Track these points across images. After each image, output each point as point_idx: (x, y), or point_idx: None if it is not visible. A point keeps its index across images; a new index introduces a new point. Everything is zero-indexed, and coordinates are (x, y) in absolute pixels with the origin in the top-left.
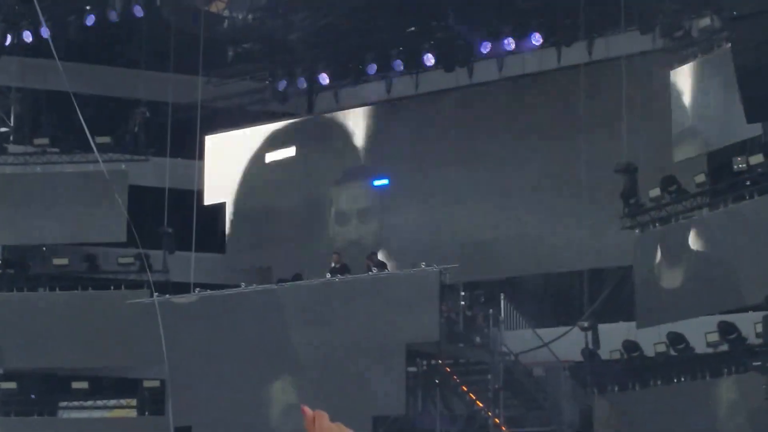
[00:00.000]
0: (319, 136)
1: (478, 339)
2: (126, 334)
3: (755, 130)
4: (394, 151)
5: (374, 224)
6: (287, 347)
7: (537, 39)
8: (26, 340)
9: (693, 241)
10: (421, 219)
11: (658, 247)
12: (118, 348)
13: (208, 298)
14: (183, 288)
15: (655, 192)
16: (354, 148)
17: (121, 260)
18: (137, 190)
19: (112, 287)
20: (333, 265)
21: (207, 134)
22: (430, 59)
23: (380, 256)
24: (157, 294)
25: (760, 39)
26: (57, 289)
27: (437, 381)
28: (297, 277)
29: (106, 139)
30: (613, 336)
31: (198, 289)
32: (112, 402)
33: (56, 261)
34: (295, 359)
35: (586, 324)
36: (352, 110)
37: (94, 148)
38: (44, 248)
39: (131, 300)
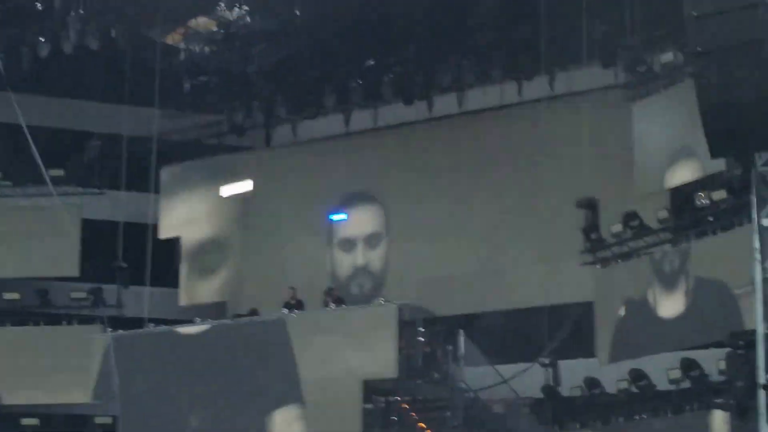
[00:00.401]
0: (276, 170)
1: (437, 375)
2: (78, 370)
3: (718, 165)
4: (352, 185)
5: (330, 259)
6: (241, 383)
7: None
8: None
9: (654, 278)
10: (379, 254)
11: (620, 283)
12: (70, 384)
13: (162, 333)
14: (137, 323)
15: (617, 227)
16: (312, 182)
17: (74, 295)
18: (91, 223)
19: (64, 322)
20: (288, 300)
21: (162, 167)
22: (389, 92)
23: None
24: (110, 329)
25: (723, 74)
26: (8, 324)
27: (395, 418)
28: (253, 312)
29: (59, 172)
30: (574, 372)
31: (152, 324)
32: None
33: (7, 295)
34: (249, 395)
35: (546, 360)
36: (309, 143)
37: (48, 181)
38: None
39: (85, 336)
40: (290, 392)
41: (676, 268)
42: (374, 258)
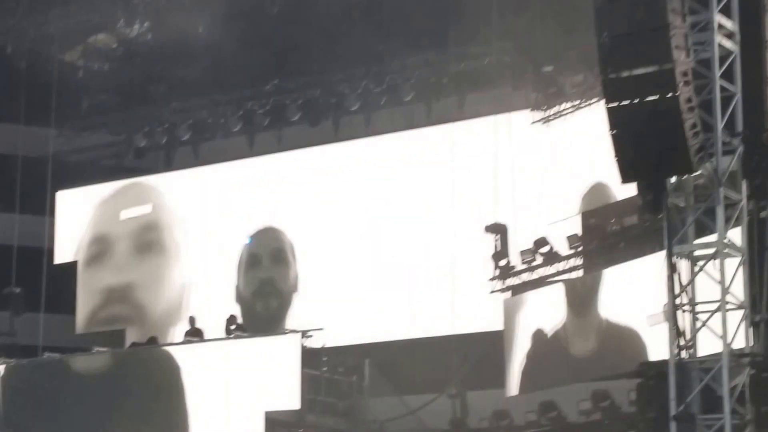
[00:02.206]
0: (177, 193)
1: (341, 407)
2: None
3: (629, 190)
4: (255, 209)
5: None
6: (139, 415)
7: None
8: None
9: (566, 305)
10: (284, 272)
11: (530, 311)
12: None
13: (57, 362)
14: (30, 351)
15: (527, 254)
16: (213, 205)
17: None
18: None
19: None
20: (188, 329)
21: (58, 189)
22: (294, 113)
23: (239, 320)
24: (2, 358)
25: (634, 100)
26: None
27: None
28: (152, 340)
29: None
30: (482, 404)
31: (46, 352)
32: None
33: None
34: (147, 427)
35: (454, 391)
36: (212, 166)
37: None
38: None
39: None
40: (179, 426)
41: (587, 295)
42: (280, 275)
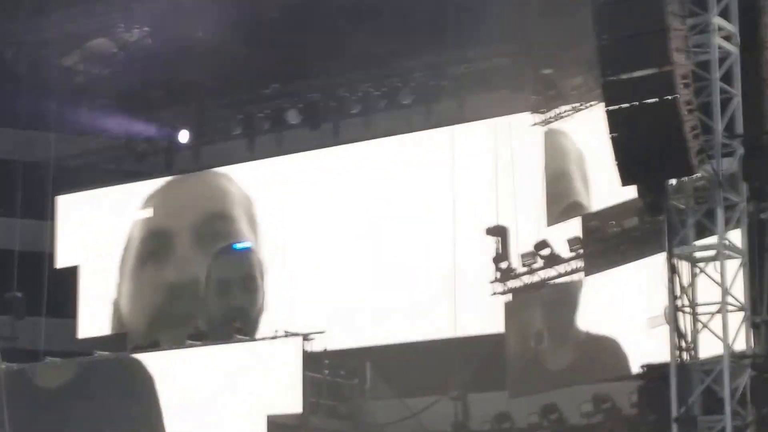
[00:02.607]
0: (177, 197)
1: (343, 410)
2: None
3: (630, 192)
4: (257, 212)
5: (239, 290)
6: (142, 418)
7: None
8: None
9: (566, 308)
10: (285, 284)
11: (531, 314)
12: None
13: (59, 366)
14: (32, 356)
15: (528, 256)
16: (215, 209)
17: None
18: None
19: None
20: (192, 332)
21: (59, 194)
22: (294, 117)
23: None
24: (4, 362)
25: (634, 102)
26: None
27: None
28: (154, 344)
29: None
30: (485, 406)
31: (48, 357)
32: None
33: None
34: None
35: (455, 394)
36: (213, 170)
37: None
38: None
39: None
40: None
41: (587, 297)
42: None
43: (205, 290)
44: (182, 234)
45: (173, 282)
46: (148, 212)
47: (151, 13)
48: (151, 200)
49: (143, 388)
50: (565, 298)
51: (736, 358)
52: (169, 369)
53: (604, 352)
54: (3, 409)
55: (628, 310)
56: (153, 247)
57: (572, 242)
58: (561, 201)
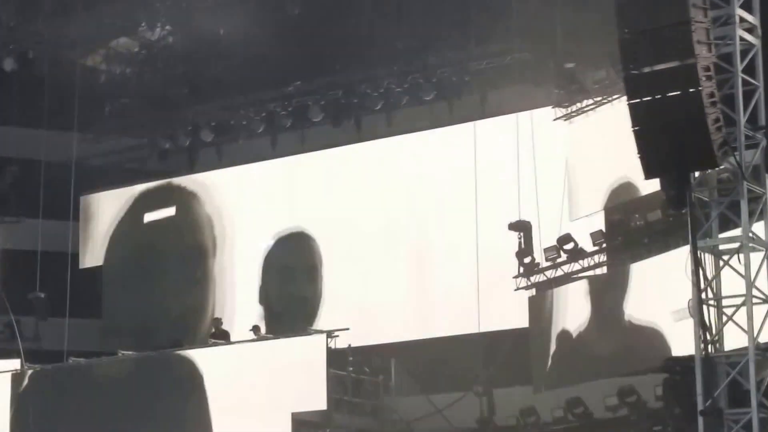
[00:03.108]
0: (201, 195)
1: (368, 407)
2: None
3: (653, 185)
4: (278, 209)
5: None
6: (166, 418)
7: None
8: None
9: (590, 302)
10: (307, 281)
11: (554, 308)
12: None
13: (83, 366)
14: (56, 356)
15: (551, 251)
16: (238, 207)
17: None
18: (7, 253)
19: None
20: (213, 331)
21: (82, 194)
22: (317, 114)
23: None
24: (27, 363)
25: (657, 95)
26: None
27: None
28: (176, 343)
29: None
30: (511, 401)
31: (72, 357)
32: None
33: None
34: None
35: (480, 389)
36: (235, 167)
37: None
38: None
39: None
40: (213, 427)
41: (611, 291)
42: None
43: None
44: (204, 232)
45: (196, 280)
46: (171, 210)
47: (173, 12)
48: (174, 198)
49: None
50: (589, 291)
51: (762, 350)
52: (190, 368)
53: (630, 346)
54: (28, 412)
55: (652, 303)
56: (175, 246)
57: (595, 236)
58: (584, 195)
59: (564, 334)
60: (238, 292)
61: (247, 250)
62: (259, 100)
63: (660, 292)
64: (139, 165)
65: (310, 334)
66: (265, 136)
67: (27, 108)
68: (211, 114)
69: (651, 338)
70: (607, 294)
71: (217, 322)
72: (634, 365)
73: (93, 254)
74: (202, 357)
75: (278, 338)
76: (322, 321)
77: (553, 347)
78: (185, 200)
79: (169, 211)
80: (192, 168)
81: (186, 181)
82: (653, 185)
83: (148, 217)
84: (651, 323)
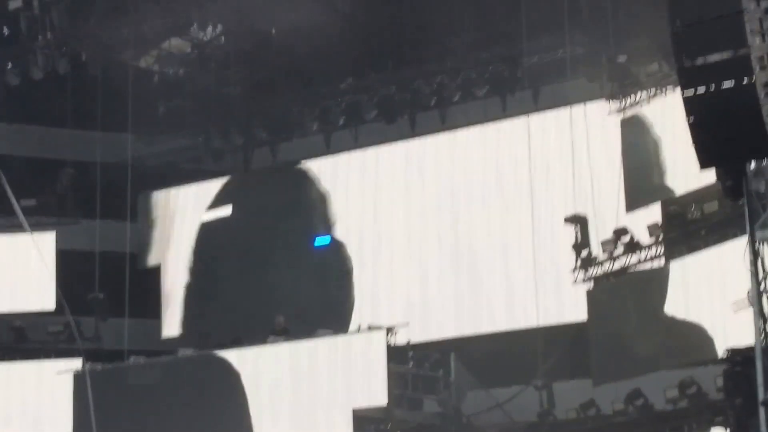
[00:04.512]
0: (256, 194)
1: (428, 402)
2: (55, 406)
3: (709, 177)
4: (336, 206)
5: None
6: (225, 416)
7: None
8: None
9: (648, 294)
10: (367, 277)
11: (612, 300)
12: (47, 421)
13: (143, 365)
14: (116, 356)
15: (608, 244)
16: (294, 205)
17: (51, 329)
18: (66, 254)
19: (42, 357)
20: (276, 328)
21: (138, 194)
22: (370, 111)
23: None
24: (88, 363)
25: (710, 86)
26: None
27: None
28: (236, 341)
29: (31, 202)
30: (570, 394)
31: (132, 356)
32: None
33: None
34: (233, 429)
35: (540, 383)
36: (290, 166)
37: (18, 212)
38: None
39: (61, 370)
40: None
41: (669, 283)
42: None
43: (298, 284)
44: (262, 231)
45: (254, 278)
46: (227, 209)
47: (225, 12)
48: (230, 197)
49: (229, 386)
50: (647, 284)
51: None
52: (252, 366)
53: (689, 337)
54: (91, 411)
55: (711, 294)
56: (233, 245)
57: (652, 228)
58: (640, 187)
59: (622, 327)
60: (295, 288)
61: (303, 246)
62: (313, 98)
63: (719, 283)
64: (194, 164)
65: (369, 330)
66: (319, 134)
67: (81, 110)
68: (264, 113)
69: (710, 329)
70: (665, 286)
71: (279, 319)
72: (693, 357)
73: (151, 254)
74: (261, 355)
75: (338, 335)
76: (380, 317)
77: (611, 340)
78: (241, 199)
79: (225, 210)
80: (246, 167)
81: (241, 179)
82: (709, 176)
83: (205, 216)
84: (710, 314)
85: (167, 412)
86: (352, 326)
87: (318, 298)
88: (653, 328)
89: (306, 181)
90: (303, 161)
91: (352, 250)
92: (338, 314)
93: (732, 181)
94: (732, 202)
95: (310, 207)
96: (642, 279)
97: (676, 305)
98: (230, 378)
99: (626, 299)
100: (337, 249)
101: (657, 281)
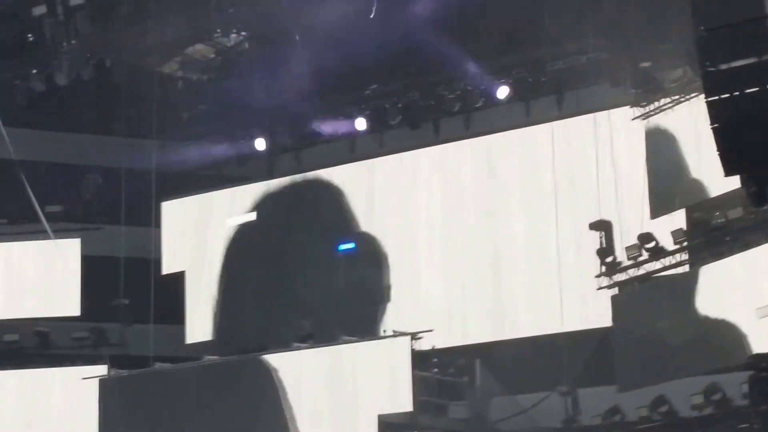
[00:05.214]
0: (280, 200)
1: (453, 408)
2: (79, 412)
3: (733, 183)
4: (359, 212)
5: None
6: (250, 421)
7: (504, 93)
8: None
9: (673, 300)
10: (391, 283)
11: (637, 307)
12: (71, 427)
13: (168, 372)
14: (142, 362)
15: (633, 250)
16: (318, 211)
17: (75, 335)
18: (91, 260)
19: (67, 363)
20: (300, 333)
21: (163, 200)
22: (394, 116)
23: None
24: (113, 369)
25: (734, 92)
26: (8, 366)
27: None
28: (261, 347)
29: (56, 208)
30: (595, 400)
31: (157, 362)
32: None
33: (7, 337)
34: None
35: (565, 389)
36: (315, 171)
37: (42, 219)
38: None
39: (86, 376)
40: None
41: (694, 289)
42: (375, 277)
43: (322, 290)
44: (286, 236)
45: (278, 284)
46: (251, 216)
47: (248, 18)
48: (254, 204)
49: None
50: (672, 290)
51: None
52: (277, 371)
53: (714, 343)
54: (116, 417)
55: (735, 300)
56: (257, 251)
57: (677, 234)
58: (664, 193)
59: (647, 333)
60: (320, 294)
61: (328, 252)
62: (336, 104)
63: (742, 289)
64: (218, 171)
65: (394, 336)
66: (343, 139)
67: (106, 116)
68: (288, 118)
69: (735, 335)
70: (690, 292)
71: (304, 323)
72: (718, 363)
73: (175, 260)
74: (286, 361)
75: (363, 340)
76: (405, 323)
77: (636, 346)
78: (265, 204)
79: (250, 216)
80: (270, 173)
81: (265, 185)
82: (734, 183)
83: (229, 222)
84: (734, 320)
85: (195, 417)
86: (377, 332)
87: (342, 304)
88: (678, 334)
89: (330, 188)
90: (327, 167)
91: (376, 256)
92: (363, 320)
93: (756, 188)
94: (756, 209)
95: (335, 212)
96: (666, 285)
97: (700, 311)
98: (264, 382)
99: (651, 305)
100: (361, 255)
101: (681, 287)
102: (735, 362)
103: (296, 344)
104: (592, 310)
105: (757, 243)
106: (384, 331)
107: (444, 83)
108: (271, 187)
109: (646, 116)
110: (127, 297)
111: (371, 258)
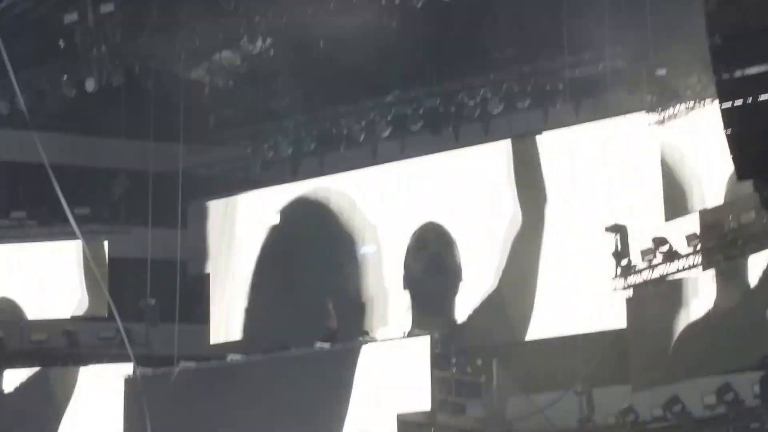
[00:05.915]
0: (304, 203)
1: (471, 407)
2: (106, 411)
3: (746, 187)
4: (380, 215)
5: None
6: (273, 421)
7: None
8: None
9: (686, 302)
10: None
11: (651, 308)
12: (98, 426)
13: (192, 371)
14: (167, 361)
15: (647, 252)
16: (341, 214)
17: (103, 334)
18: (118, 261)
19: (93, 362)
20: (325, 332)
21: (189, 203)
22: (415, 122)
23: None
24: (139, 368)
25: (748, 99)
26: (36, 365)
27: None
28: (283, 347)
29: (84, 211)
30: (610, 400)
31: (182, 362)
32: None
33: (34, 336)
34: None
35: (579, 389)
36: (338, 175)
37: (71, 221)
38: (21, 324)
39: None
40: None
41: (707, 291)
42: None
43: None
44: (308, 239)
45: (301, 286)
46: (275, 218)
47: (274, 25)
48: (278, 207)
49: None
50: (686, 292)
51: None
52: (297, 371)
53: (727, 344)
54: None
55: (748, 302)
56: (280, 253)
57: (690, 238)
58: (679, 197)
59: (661, 334)
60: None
61: (350, 254)
62: (359, 110)
63: (755, 292)
64: (244, 174)
65: (413, 336)
66: (366, 144)
67: (134, 121)
68: (312, 124)
69: (747, 336)
70: (703, 294)
71: (330, 324)
72: (730, 363)
73: (201, 261)
74: (307, 359)
75: (382, 340)
76: (425, 323)
77: (650, 346)
78: (289, 207)
79: (274, 219)
80: (294, 177)
81: (289, 189)
82: (747, 187)
83: (253, 224)
84: (747, 321)
85: (219, 417)
86: (397, 332)
87: (363, 305)
88: (691, 335)
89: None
90: (350, 171)
91: (398, 258)
92: (383, 320)
93: None
94: None
95: (356, 215)
96: (680, 287)
97: (713, 313)
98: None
99: (665, 307)
100: (382, 257)
101: (695, 290)
102: (748, 363)
103: (318, 345)
104: (607, 311)
105: None
106: (404, 332)
107: (464, 90)
108: (296, 190)
109: (661, 122)
110: (153, 297)
111: (393, 260)
